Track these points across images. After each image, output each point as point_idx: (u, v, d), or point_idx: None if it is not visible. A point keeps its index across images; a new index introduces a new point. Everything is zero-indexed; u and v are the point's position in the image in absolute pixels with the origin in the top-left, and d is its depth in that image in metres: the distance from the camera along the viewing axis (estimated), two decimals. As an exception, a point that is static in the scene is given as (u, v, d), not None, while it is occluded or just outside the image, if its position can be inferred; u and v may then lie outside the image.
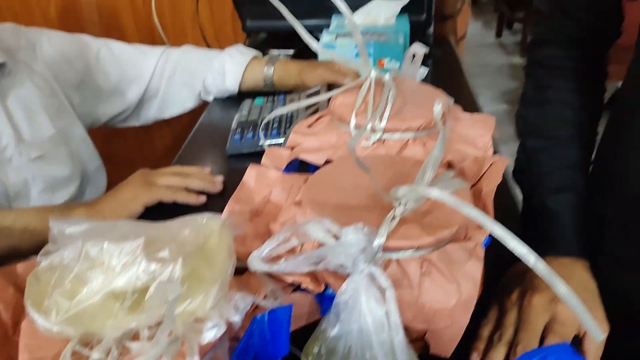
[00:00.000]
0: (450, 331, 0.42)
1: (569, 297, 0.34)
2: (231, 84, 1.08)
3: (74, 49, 1.03)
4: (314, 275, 0.44)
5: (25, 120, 0.90)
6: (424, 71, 0.71)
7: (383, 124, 0.58)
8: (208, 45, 1.45)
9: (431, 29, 1.34)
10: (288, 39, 1.27)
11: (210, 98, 1.12)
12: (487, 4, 4.99)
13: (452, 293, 0.42)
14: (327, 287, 0.44)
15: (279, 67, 1.06)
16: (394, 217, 0.42)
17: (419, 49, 0.66)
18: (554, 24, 0.65)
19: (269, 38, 1.37)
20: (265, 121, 0.82)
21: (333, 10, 1.26)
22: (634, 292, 0.59)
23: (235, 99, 1.08)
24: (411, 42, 1.20)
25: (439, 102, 0.50)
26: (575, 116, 0.63)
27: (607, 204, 0.63)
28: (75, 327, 0.34)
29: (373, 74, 0.61)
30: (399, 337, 0.38)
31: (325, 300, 0.45)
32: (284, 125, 0.90)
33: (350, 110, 0.60)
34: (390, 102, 0.59)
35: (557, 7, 0.64)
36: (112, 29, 1.47)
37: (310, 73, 1.02)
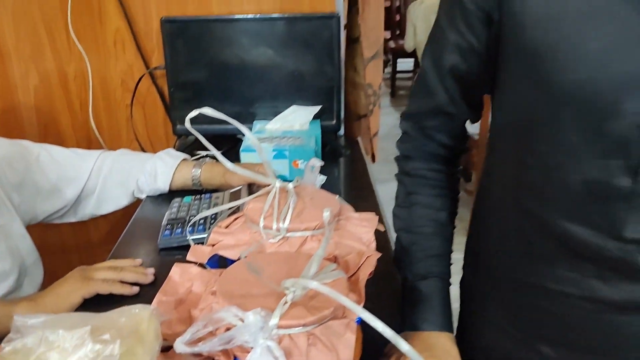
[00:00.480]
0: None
1: (410, 353, 0.48)
2: (162, 184, 1.20)
3: (14, 152, 1.12)
4: (225, 350, 0.56)
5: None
6: (322, 178, 0.86)
7: (286, 224, 0.73)
8: (141, 147, 1.58)
9: (341, 131, 1.53)
10: (215, 142, 1.41)
11: (143, 196, 1.24)
12: (405, 96, 5.41)
13: (332, 359, 0.55)
14: (235, 358, 0.56)
15: (205, 168, 1.20)
16: (285, 302, 0.55)
17: (317, 162, 0.82)
18: (417, 143, 0.82)
19: (195, 143, 1.52)
20: (192, 221, 0.95)
21: (255, 115, 1.44)
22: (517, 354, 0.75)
23: (166, 197, 1.20)
24: (324, 144, 1.39)
25: (327, 210, 0.65)
26: (437, 216, 0.80)
27: (480, 280, 0.79)
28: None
29: (277, 184, 0.76)
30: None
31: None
32: (209, 221, 1.03)
33: (259, 214, 0.74)
34: (291, 207, 0.74)
35: (420, 130, 0.82)
36: (50, 131, 1.57)
37: (233, 174, 1.16)
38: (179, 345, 0.53)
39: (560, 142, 0.62)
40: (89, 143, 1.59)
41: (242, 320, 0.53)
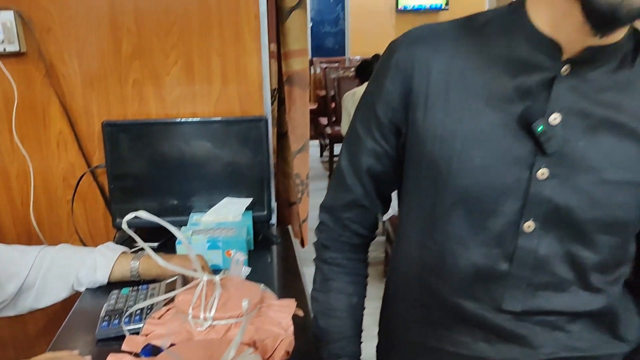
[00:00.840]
0: None
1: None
2: (101, 277, 1.27)
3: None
4: None
5: None
6: (246, 270, 0.96)
7: (212, 314, 0.83)
8: (82, 241, 1.64)
9: (274, 220, 1.65)
10: (155, 233, 1.51)
11: (82, 289, 1.30)
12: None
13: None
14: None
15: (143, 260, 1.29)
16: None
17: (241, 256, 0.93)
18: (334, 234, 0.95)
19: (136, 233, 1.59)
20: (128, 312, 1.03)
21: (192, 208, 1.55)
22: None
23: (105, 289, 1.27)
24: (257, 232, 1.50)
25: (245, 300, 0.76)
26: (350, 300, 0.92)
27: (391, 343, 0.93)
28: None
29: (205, 277, 0.86)
30: None
31: None
32: (145, 312, 1.11)
33: (188, 305, 0.84)
34: (217, 298, 0.84)
35: (336, 221, 0.95)
36: (-11, 226, 1.62)
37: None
38: None
39: (453, 233, 0.77)
40: (29, 238, 1.65)
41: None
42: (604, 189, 0.72)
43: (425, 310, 0.84)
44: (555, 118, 0.71)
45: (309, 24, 8.13)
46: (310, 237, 1.95)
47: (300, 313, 0.94)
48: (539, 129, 0.71)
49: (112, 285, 1.27)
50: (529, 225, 0.74)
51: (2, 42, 1.46)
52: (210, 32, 1.54)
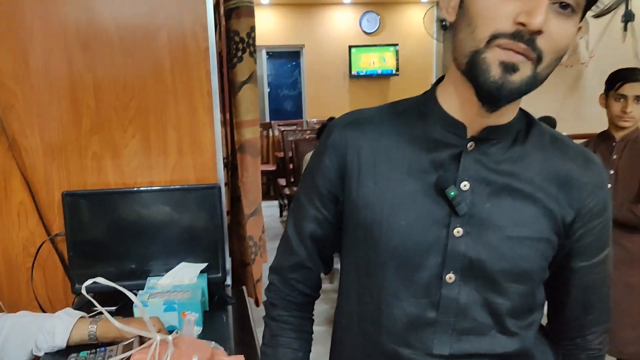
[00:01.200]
0: None
1: None
2: (60, 341, 1.32)
3: None
4: None
5: None
6: (198, 329, 1.04)
7: (165, 370, 0.90)
8: (41, 307, 1.68)
9: (229, 281, 1.73)
10: (114, 296, 1.56)
11: (41, 354, 1.34)
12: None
13: None
14: None
15: (101, 324, 1.34)
16: None
17: (192, 317, 1.01)
18: (282, 293, 1.04)
19: (95, 297, 1.65)
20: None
21: (149, 272, 1.62)
22: None
23: (63, 353, 1.32)
24: (212, 294, 1.58)
25: (195, 357, 0.84)
26: (295, 355, 1.02)
27: None
28: None
29: (158, 338, 0.95)
30: None
31: None
32: (103, 373, 1.17)
33: (144, 362, 0.92)
34: (169, 356, 0.92)
35: (284, 281, 1.05)
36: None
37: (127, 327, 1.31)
38: None
39: (386, 287, 0.90)
40: (-13, 306, 1.68)
41: None
42: (509, 244, 0.86)
43: (367, 357, 0.95)
44: (465, 185, 0.87)
45: (266, 89, 8.40)
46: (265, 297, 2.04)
47: (248, 367, 1.02)
48: (452, 194, 0.85)
49: (71, 349, 1.32)
50: (450, 277, 0.87)
51: (-33, 118, 1.55)
52: (166, 107, 1.66)
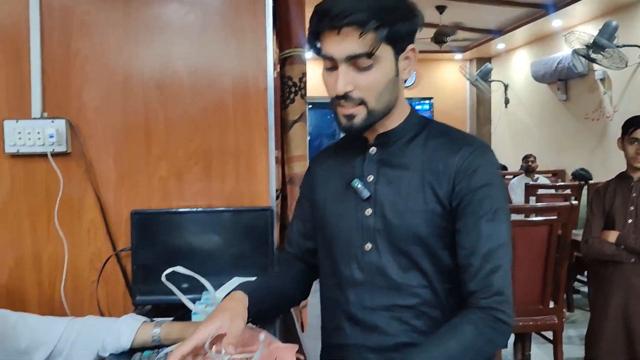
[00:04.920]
0: None
1: None
2: (125, 343, 1.44)
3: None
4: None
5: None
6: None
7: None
8: (103, 317, 1.82)
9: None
10: (168, 310, 1.70)
11: (106, 354, 1.46)
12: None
13: None
14: None
15: (164, 327, 1.47)
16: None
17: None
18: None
19: (153, 309, 1.78)
20: (156, 361, 1.21)
21: (203, 288, 1.76)
22: None
23: (127, 354, 1.44)
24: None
25: (263, 333, 0.96)
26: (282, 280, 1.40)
27: None
28: None
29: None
30: None
31: None
32: (167, 365, 1.29)
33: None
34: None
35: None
36: (16, 303, 1.81)
37: (189, 329, 1.43)
38: None
39: (335, 259, 1.32)
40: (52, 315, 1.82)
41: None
42: (403, 216, 1.19)
43: (332, 314, 1.29)
44: (370, 177, 1.24)
45: (307, 137, 8.63)
46: (311, 323, 2.13)
47: (302, 357, 1.13)
48: (356, 185, 1.24)
49: (134, 350, 1.44)
50: (367, 246, 1.22)
51: (53, 144, 1.75)
52: (227, 139, 1.85)
